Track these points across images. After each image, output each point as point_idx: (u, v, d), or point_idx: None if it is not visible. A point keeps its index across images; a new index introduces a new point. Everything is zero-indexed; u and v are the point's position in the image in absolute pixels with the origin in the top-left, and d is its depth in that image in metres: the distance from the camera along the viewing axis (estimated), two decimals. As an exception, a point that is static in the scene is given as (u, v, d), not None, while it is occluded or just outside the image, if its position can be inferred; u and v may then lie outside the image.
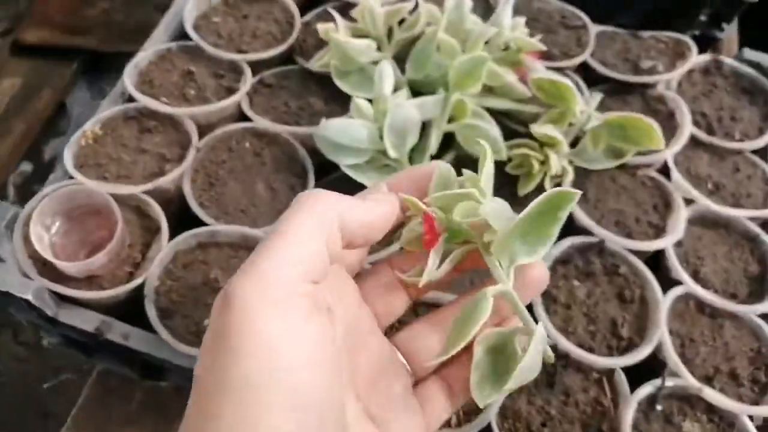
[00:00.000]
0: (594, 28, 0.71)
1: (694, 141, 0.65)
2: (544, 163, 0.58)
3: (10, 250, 0.52)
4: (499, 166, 0.59)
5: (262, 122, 0.60)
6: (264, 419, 0.25)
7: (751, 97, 0.68)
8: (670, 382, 0.51)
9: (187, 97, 0.62)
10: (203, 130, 0.60)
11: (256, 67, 0.65)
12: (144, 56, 0.64)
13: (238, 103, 0.62)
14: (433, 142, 0.57)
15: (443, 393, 0.34)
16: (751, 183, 0.63)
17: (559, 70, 0.67)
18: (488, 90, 0.62)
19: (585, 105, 0.60)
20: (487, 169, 0.34)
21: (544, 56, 0.68)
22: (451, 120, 0.59)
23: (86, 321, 0.52)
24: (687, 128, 0.63)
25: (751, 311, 0.56)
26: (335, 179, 0.58)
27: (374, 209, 0.32)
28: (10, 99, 1.30)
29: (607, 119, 0.58)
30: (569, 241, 0.57)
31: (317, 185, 0.59)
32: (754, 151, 0.66)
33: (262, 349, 0.25)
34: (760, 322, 0.56)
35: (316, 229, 0.29)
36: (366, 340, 0.33)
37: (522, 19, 0.60)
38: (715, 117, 0.66)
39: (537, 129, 0.57)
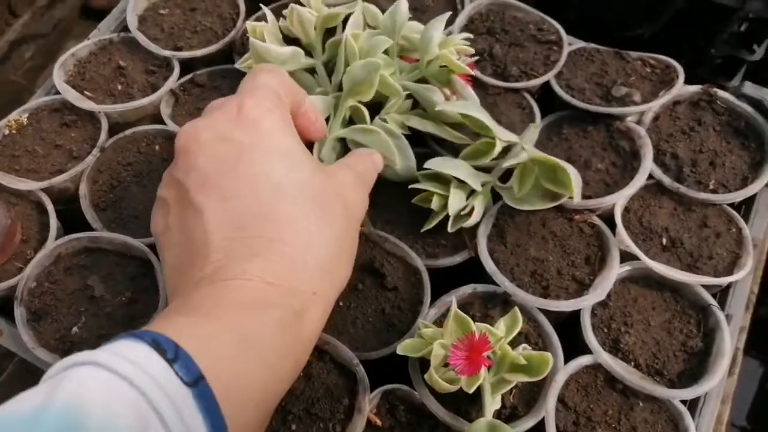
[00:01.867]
0: (570, 45, 0.64)
1: (657, 186, 0.58)
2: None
3: None
4: (412, 193, 0.56)
5: (174, 126, 0.60)
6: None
7: (744, 140, 0.60)
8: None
9: (112, 92, 0.63)
10: (122, 128, 0.61)
11: (192, 64, 0.65)
12: (85, 45, 0.66)
13: (158, 103, 0.62)
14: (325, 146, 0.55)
15: None
16: (719, 243, 0.56)
17: (515, 91, 0.62)
18: (422, 110, 0.59)
19: (515, 137, 0.55)
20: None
21: (501, 75, 0.63)
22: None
23: (-33, 311, 0.55)
24: (645, 172, 0.57)
25: (670, 396, 0.50)
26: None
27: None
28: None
29: (533, 157, 0.53)
30: (471, 288, 0.53)
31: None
32: (735, 205, 0.58)
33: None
34: (682, 408, 0.50)
35: None
36: None
37: (457, 37, 0.56)
38: (689, 160, 0.59)
39: (428, 164, 0.54)
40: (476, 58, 0.62)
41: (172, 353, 0.32)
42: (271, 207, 0.42)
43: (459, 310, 0.47)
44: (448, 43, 0.55)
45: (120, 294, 0.54)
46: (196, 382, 0.32)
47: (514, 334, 0.48)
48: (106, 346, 0.32)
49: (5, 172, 0.59)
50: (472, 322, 0.46)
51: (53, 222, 0.56)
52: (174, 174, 0.45)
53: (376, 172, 0.53)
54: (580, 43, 0.66)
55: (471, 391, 0.44)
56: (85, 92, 0.62)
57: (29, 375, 0.68)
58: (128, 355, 0.31)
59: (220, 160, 0.43)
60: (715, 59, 0.74)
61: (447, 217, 0.55)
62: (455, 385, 0.45)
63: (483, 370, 0.44)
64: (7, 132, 0.61)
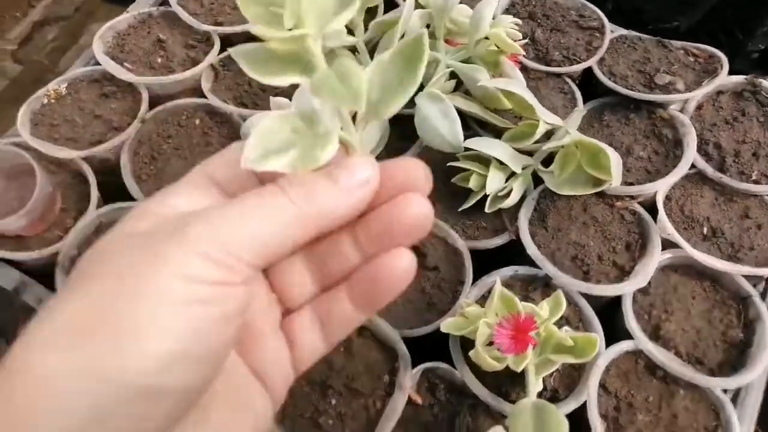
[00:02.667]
0: (612, 32, 0.64)
1: (699, 176, 0.58)
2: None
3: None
4: (452, 172, 0.56)
5: (215, 100, 0.59)
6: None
7: (788, 131, 0.59)
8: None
9: (152, 65, 0.62)
10: (162, 101, 0.60)
11: (232, 40, 0.64)
12: (124, 18, 0.65)
13: (199, 77, 0.61)
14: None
15: (316, 326, 0.32)
16: (760, 233, 0.56)
17: (557, 76, 0.62)
18: (467, 91, 0.58)
19: (559, 121, 0.54)
20: None
21: (543, 59, 0.62)
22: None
23: (7, 279, 0.55)
24: (688, 160, 0.56)
25: (712, 384, 0.49)
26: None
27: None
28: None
29: (577, 141, 0.53)
30: (512, 270, 0.53)
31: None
32: (777, 196, 0.58)
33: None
34: (724, 398, 0.49)
35: None
36: None
37: (507, 18, 0.55)
38: (732, 150, 0.58)
39: (469, 142, 0.53)
40: (525, 41, 0.61)
41: None
42: None
43: (505, 289, 0.46)
44: (499, 23, 0.55)
45: (159, 265, 0.54)
46: None
47: (558, 316, 0.47)
48: None
49: (44, 140, 0.58)
50: (518, 301, 0.46)
51: (94, 191, 0.56)
52: None
53: None
54: (621, 31, 0.65)
55: (520, 369, 0.44)
56: (125, 64, 0.62)
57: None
58: None
59: None
60: (752, 52, 0.74)
61: (485, 197, 0.55)
62: (501, 363, 0.45)
63: (530, 349, 0.44)
64: (45, 101, 0.61)
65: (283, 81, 0.28)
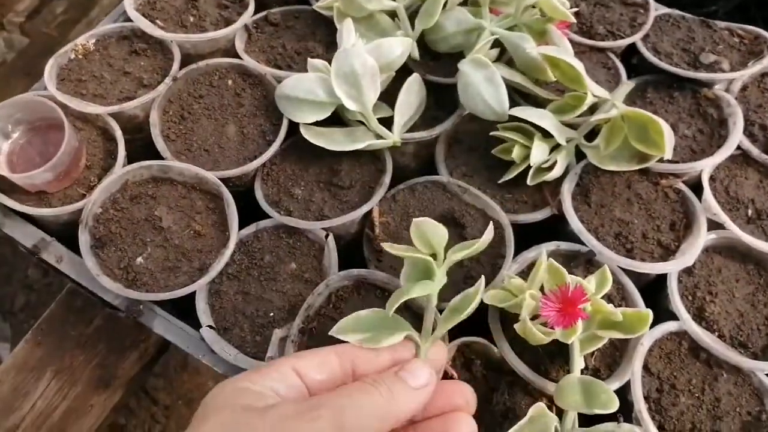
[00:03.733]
0: (656, 9, 0.61)
1: (744, 157, 0.55)
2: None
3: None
4: (490, 147, 0.53)
5: (249, 61, 0.56)
6: None
7: (834, 116, 0.57)
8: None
9: (184, 24, 0.59)
10: (194, 61, 0.57)
11: (265, 1, 0.61)
12: (156, -25, 0.62)
13: (232, 37, 0.58)
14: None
15: None
16: (806, 218, 0.53)
17: (600, 51, 0.59)
18: (508, 62, 0.56)
19: (606, 94, 0.51)
20: None
21: (587, 33, 0.60)
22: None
23: (27, 236, 0.52)
24: (735, 140, 0.54)
25: (757, 368, 0.47)
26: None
27: None
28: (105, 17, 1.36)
29: (624, 113, 0.50)
30: (554, 245, 0.50)
31: (293, 139, 0.55)
32: (822, 182, 0.55)
33: None
34: (768, 382, 0.47)
35: None
36: None
37: (555, -15, 0.52)
38: (779, 132, 0.55)
39: (514, 110, 0.50)
40: (575, 9, 0.58)
41: None
42: None
43: (553, 261, 0.44)
44: (548, -11, 0.52)
45: (188, 227, 0.51)
46: None
47: (605, 291, 0.45)
48: None
49: (70, 95, 0.55)
50: (566, 273, 0.43)
51: (121, 148, 0.53)
52: None
53: None
54: (665, 9, 0.63)
55: (570, 341, 0.41)
56: (156, 22, 0.59)
57: (72, 313, 0.65)
58: None
59: None
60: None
61: (527, 169, 0.52)
62: (549, 336, 0.42)
63: (579, 322, 0.41)
64: (72, 56, 0.58)
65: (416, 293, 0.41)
